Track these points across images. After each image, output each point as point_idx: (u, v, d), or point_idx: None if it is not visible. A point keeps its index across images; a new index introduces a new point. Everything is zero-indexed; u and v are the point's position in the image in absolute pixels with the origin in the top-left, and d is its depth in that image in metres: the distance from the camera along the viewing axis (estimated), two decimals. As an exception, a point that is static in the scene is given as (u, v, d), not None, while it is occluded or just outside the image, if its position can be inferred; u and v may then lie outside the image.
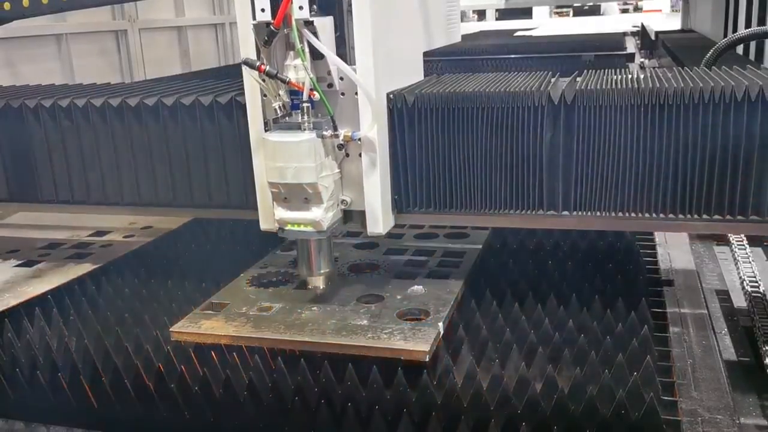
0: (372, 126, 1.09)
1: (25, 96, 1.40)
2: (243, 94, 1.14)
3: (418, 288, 1.24)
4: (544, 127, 1.10)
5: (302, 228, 1.10)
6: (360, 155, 1.11)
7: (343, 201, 1.13)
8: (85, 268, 1.54)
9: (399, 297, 1.21)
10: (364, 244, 1.50)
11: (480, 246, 1.46)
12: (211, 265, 1.47)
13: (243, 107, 1.15)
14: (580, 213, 1.13)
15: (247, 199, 1.24)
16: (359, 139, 1.09)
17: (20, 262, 1.63)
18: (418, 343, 1.05)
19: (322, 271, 1.18)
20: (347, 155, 1.12)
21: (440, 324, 1.10)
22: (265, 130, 1.12)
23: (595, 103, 1.07)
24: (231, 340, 1.12)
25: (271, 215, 1.14)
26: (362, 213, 1.14)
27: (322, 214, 1.09)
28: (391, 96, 1.13)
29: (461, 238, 1.51)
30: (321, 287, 1.19)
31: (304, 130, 1.06)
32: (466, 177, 1.15)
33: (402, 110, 1.13)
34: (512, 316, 1.20)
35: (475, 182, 1.15)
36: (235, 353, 1.13)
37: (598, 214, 1.12)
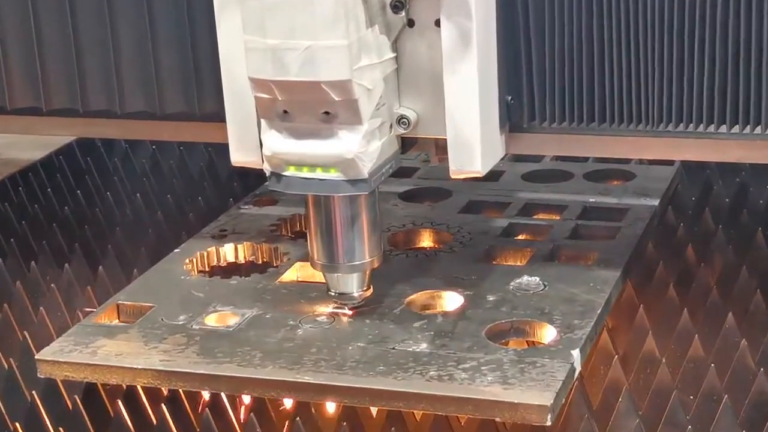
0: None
1: None
2: None
3: (530, 280, 1.25)
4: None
5: (320, 173, 1.11)
6: (437, 23, 1.11)
7: (401, 119, 1.14)
8: None
9: (492, 298, 1.22)
10: (418, 191, 1.51)
11: (657, 200, 1.47)
12: (115, 230, 1.50)
13: None
14: None
15: (198, 102, 1.26)
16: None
17: None
18: (530, 391, 1.05)
19: (358, 262, 1.19)
20: (410, 24, 1.13)
21: (575, 353, 1.11)
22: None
23: None
24: (155, 378, 1.13)
25: (253, 142, 1.16)
26: (439, 142, 1.15)
27: (360, 146, 1.09)
28: None
29: (619, 181, 1.52)
30: (355, 294, 1.20)
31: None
32: (639, 61, 1.14)
33: None
34: (722, 340, 1.20)
35: (652, 74, 1.14)
36: (164, 404, 1.15)
37: None
